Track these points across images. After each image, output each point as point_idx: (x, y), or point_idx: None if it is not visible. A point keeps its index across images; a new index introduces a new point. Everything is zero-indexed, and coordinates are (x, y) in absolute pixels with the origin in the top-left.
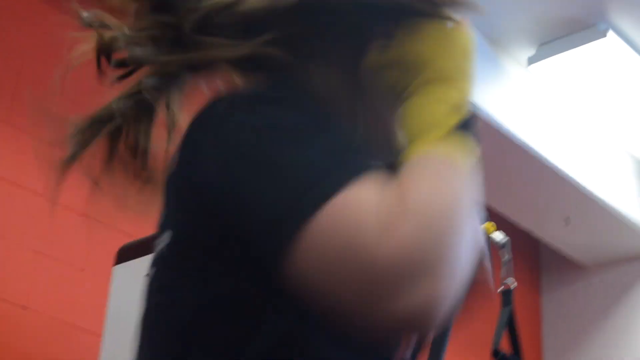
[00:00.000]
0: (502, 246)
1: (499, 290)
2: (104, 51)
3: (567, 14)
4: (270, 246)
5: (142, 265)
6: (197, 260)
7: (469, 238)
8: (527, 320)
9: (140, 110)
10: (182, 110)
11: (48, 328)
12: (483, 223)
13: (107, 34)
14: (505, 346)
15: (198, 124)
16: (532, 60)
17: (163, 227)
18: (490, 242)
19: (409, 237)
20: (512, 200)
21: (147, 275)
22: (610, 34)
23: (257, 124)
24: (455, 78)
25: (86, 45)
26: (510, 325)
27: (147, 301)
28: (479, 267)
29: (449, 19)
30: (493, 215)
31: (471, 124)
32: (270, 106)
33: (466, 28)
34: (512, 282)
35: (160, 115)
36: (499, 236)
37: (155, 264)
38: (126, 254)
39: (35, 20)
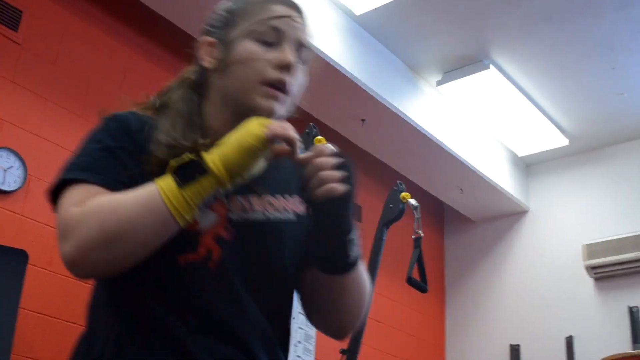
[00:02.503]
0: (415, 208)
1: (412, 236)
2: None
3: (462, 52)
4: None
5: None
6: None
7: (114, 235)
8: (435, 256)
9: None
10: None
11: None
12: (402, 192)
13: None
14: (415, 275)
15: None
16: (439, 83)
17: None
18: (408, 205)
19: (67, 217)
20: (425, 176)
21: None
22: (492, 67)
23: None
24: (217, 147)
25: None
26: (419, 261)
27: None
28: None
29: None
30: (413, 187)
31: (190, 171)
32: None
33: (259, 121)
34: (421, 232)
35: None
36: (413, 201)
37: None
38: None
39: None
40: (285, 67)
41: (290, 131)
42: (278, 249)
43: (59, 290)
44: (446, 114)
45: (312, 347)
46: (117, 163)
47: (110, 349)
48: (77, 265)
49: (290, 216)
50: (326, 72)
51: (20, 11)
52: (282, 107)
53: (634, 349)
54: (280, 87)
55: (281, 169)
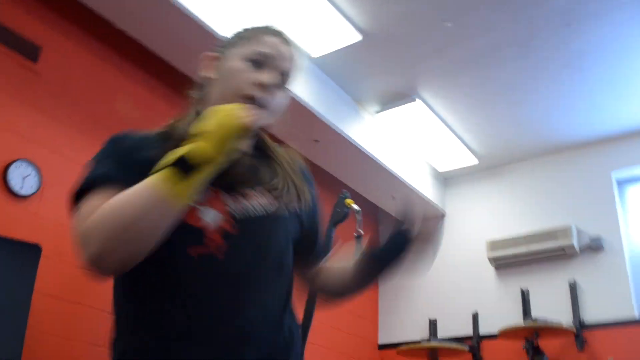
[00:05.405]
0: (358, 212)
1: (354, 234)
2: None
3: (395, 88)
4: None
5: None
6: None
7: (125, 229)
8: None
9: None
10: None
11: None
12: (347, 199)
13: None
14: None
15: None
16: (377, 112)
17: None
18: (351, 209)
19: (84, 228)
20: (365, 186)
21: None
22: (418, 101)
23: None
24: (198, 139)
25: None
26: (359, 245)
27: None
28: None
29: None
30: (355, 195)
31: (187, 163)
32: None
33: (230, 109)
34: (362, 231)
35: None
36: (355, 206)
37: None
38: None
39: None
40: (262, 87)
41: (252, 121)
42: (278, 241)
43: (67, 277)
44: (383, 137)
45: None
46: (120, 167)
47: (131, 344)
48: (101, 266)
49: (285, 212)
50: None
51: (40, 46)
52: (257, 119)
53: (524, 321)
54: (255, 102)
55: (243, 163)
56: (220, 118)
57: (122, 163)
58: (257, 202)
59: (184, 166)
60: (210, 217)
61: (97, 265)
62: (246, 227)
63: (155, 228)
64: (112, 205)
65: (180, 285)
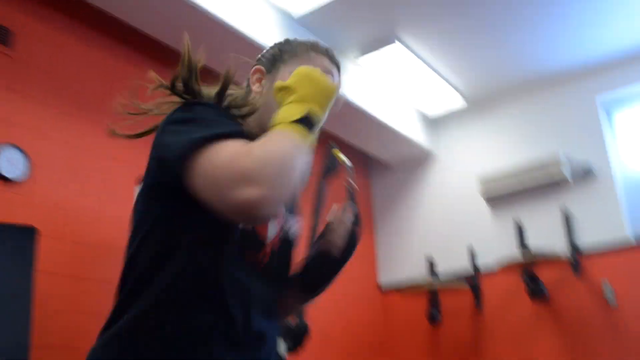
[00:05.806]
0: (347, 165)
1: (347, 187)
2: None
3: (374, 32)
4: (172, 169)
5: None
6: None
7: (290, 169)
8: (364, 195)
9: None
10: None
11: None
12: (334, 149)
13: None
14: None
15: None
16: (357, 57)
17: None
18: (340, 161)
19: (250, 165)
20: (355, 136)
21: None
22: (397, 43)
23: (178, 115)
24: (304, 100)
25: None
26: (352, 202)
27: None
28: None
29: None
30: (346, 146)
31: (310, 122)
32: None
33: (319, 72)
34: (354, 184)
35: None
36: (344, 157)
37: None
38: None
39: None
40: None
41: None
42: (290, 267)
43: (67, 255)
44: (367, 85)
45: None
46: (235, 124)
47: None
48: (267, 204)
49: (297, 237)
50: None
51: (12, 31)
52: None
53: (521, 252)
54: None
55: None
56: (321, 80)
57: (232, 121)
58: (292, 225)
59: (307, 123)
60: (272, 231)
61: (264, 203)
62: (282, 248)
63: (299, 176)
64: (270, 148)
65: (230, 278)
